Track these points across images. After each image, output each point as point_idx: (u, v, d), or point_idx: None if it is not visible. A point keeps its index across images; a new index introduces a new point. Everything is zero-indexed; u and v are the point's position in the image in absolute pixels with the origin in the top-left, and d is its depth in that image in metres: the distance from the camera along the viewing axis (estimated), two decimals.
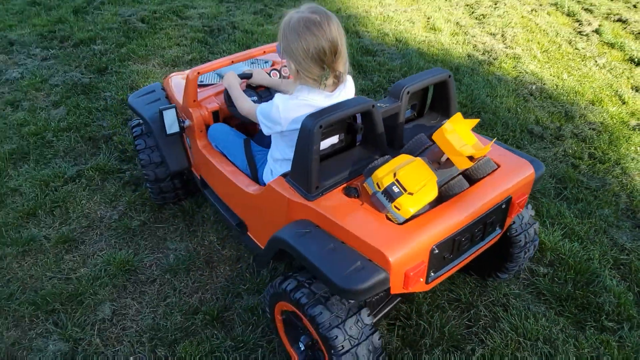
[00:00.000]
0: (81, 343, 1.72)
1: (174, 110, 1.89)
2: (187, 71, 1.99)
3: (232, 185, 1.77)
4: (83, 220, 2.26)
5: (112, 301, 1.88)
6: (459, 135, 1.36)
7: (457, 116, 1.41)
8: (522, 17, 4.74)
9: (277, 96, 1.51)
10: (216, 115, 1.99)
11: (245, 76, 1.93)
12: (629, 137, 2.93)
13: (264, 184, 1.65)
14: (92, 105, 3.10)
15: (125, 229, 2.21)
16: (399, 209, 1.28)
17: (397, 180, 1.29)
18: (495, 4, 5.00)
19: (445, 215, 1.33)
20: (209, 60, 3.26)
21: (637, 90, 3.48)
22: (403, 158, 1.36)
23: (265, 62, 2.34)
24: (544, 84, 3.51)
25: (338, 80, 1.48)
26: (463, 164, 1.37)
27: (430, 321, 1.76)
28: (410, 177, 1.29)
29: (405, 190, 1.27)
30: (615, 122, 3.08)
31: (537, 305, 1.87)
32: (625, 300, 1.86)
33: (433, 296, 1.88)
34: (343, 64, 1.46)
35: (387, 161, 1.36)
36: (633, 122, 3.08)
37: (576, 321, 1.81)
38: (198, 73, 1.89)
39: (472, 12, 4.83)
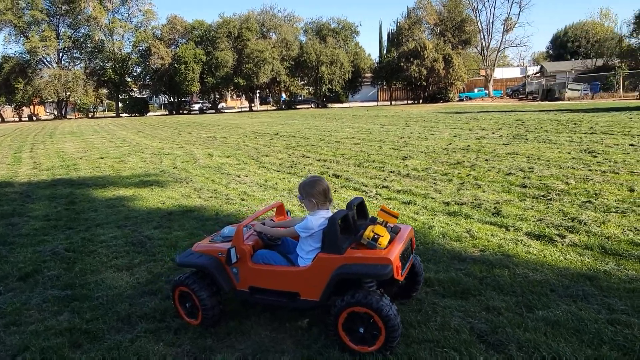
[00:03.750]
0: None
1: (234, 248, 3.27)
2: (207, 238, 3.49)
3: (286, 274, 3.18)
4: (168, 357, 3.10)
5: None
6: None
7: (384, 206, 3.35)
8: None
9: (308, 217, 3.18)
10: (253, 248, 3.42)
11: (262, 222, 3.52)
12: (431, 228, 5.33)
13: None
14: (94, 303, 3.86)
15: (202, 349, 3.16)
16: (380, 244, 3.04)
17: (375, 233, 3.08)
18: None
19: (396, 244, 3.13)
20: (148, 263, 4.58)
21: (417, 214, 6.13)
22: (372, 226, 3.16)
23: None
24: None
25: (330, 203, 3.28)
26: (394, 222, 3.26)
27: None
28: (379, 231, 3.10)
29: (380, 236, 3.06)
30: (420, 225, 5.49)
31: (444, 297, 3.69)
32: (481, 285, 3.86)
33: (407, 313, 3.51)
34: (331, 196, 3.28)
35: (365, 230, 3.13)
36: (432, 223, 5.55)
37: (465, 298, 3.68)
38: (242, 226, 3.36)
39: None
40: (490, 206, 6.22)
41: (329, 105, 51.93)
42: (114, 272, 4.56)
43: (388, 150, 12.44)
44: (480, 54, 54.69)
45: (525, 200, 6.52)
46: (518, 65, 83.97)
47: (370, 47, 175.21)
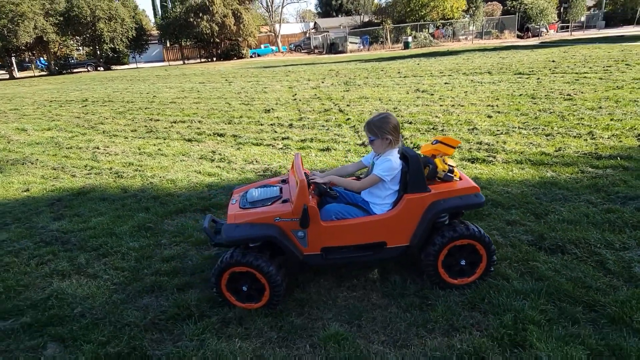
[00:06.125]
0: None
1: (308, 209, 2.77)
2: (233, 206, 2.95)
3: (371, 225, 2.87)
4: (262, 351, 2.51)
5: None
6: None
7: (441, 137, 3.27)
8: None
9: (386, 159, 2.89)
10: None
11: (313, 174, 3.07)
12: None
13: None
14: (84, 322, 2.80)
15: (292, 330, 2.66)
16: (455, 176, 3.01)
17: (450, 166, 3.02)
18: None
19: (461, 173, 3.14)
20: (99, 260, 3.59)
21: (347, 158, 6.12)
22: (439, 159, 3.08)
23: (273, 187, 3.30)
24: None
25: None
26: (451, 153, 3.23)
27: None
28: (449, 162, 3.05)
29: (453, 167, 3.02)
30: None
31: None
32: None
33: None
34: None
35: (436, 164, 3.03)
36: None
37: (481, 219, 3.91)
38: (305, 183, 2.84)
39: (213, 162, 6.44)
40: (407, 141, 6.63)
41: (113, 67, 45.90)
42: (61, 280, 3.36)
43: (239, 105, 11.90)
44: (267, 10, 55.61)
45: (424, 133, 7.14)
46: (291, 22, 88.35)
47: (142, 3, 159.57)
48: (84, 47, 46.78)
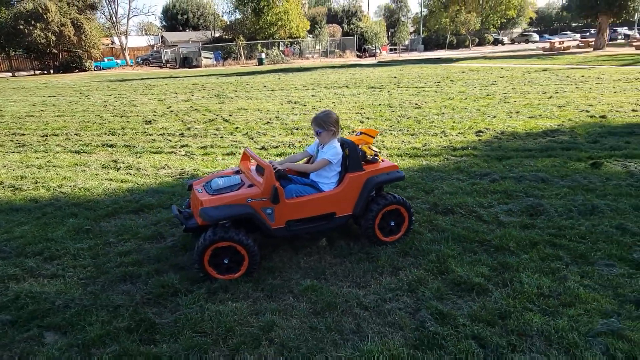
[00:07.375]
0: None
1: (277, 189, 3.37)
2: (202, 194, 3.44)
3: (324, 200, 3.58)
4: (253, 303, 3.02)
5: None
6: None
7: (364, 129, 4.14)
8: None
9: (332, 146, 3.64)
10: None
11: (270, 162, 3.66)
12: None
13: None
14: (73, 308, 2.95)
15: (275, 288, 3.21)
16: (379, 158, 3.92)
17: (375, 151, 3.92)
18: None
19: (384, 158, 4.07)
20: (50, 262, 3.73)
21: None
22: (364, 146, 3.95)
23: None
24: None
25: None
26: (371, 142, 4.14)
27: None
28: (374, 148, 3.96)
29: (379, 152, 3.93)
30: None
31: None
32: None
33: None
34: None
35: (362, 150, 3.90)
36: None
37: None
38: (271, 169, 3.42)
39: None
40: (299, 143, 7.45)
41: None
42: (19, 283, 3.35)
43: (113, 118, 11.49)
44: (110, 21, 52.09)
45: (314, 137, 8.04)
46: (133, 35, 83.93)
47: None
48: None
